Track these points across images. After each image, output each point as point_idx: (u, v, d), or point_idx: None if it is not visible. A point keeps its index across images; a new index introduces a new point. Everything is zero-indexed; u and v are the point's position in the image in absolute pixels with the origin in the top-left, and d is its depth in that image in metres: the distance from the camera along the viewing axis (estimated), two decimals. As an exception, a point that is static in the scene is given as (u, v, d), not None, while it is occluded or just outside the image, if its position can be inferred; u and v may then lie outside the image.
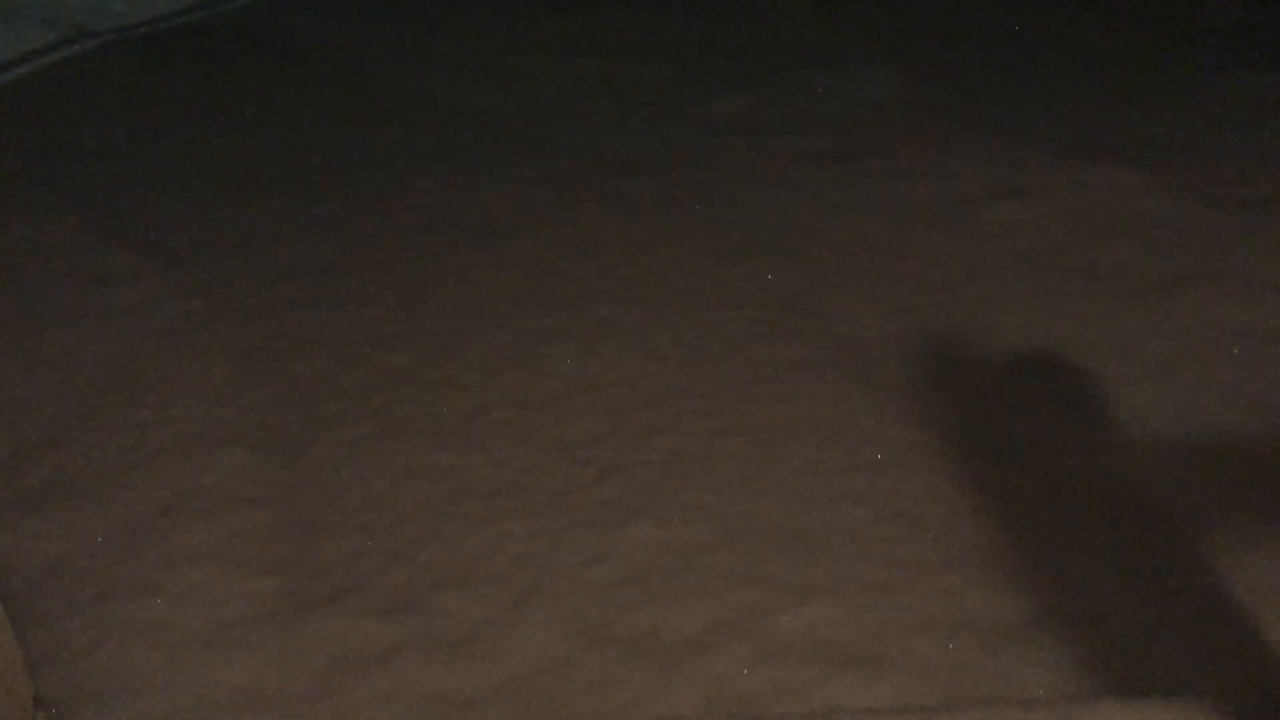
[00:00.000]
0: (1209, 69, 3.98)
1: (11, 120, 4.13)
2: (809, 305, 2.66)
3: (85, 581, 1.88)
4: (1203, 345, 2.43)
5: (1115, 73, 4.01)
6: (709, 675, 1.64)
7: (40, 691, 1.64)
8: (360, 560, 1.91)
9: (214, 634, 1.76)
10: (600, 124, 3.83)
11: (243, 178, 3.52)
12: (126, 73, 4.63)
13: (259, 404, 2.37)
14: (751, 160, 3.47)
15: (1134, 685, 1.55)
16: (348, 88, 4.34)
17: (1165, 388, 2.28)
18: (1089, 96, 3.82)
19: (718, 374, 2.39)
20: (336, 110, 4.09)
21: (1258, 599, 1.72)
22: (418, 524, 1.99)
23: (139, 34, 5.23)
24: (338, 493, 2.08)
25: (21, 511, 2.06)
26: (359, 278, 2.88)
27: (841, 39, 4.53)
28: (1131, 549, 1.84)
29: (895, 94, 3.92)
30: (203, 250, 3.05)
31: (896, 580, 1.79)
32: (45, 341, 2.63)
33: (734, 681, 1.63)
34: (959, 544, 1.87)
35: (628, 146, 3.64)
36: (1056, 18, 4.66)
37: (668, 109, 3.93)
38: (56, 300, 2.81)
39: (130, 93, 4.35)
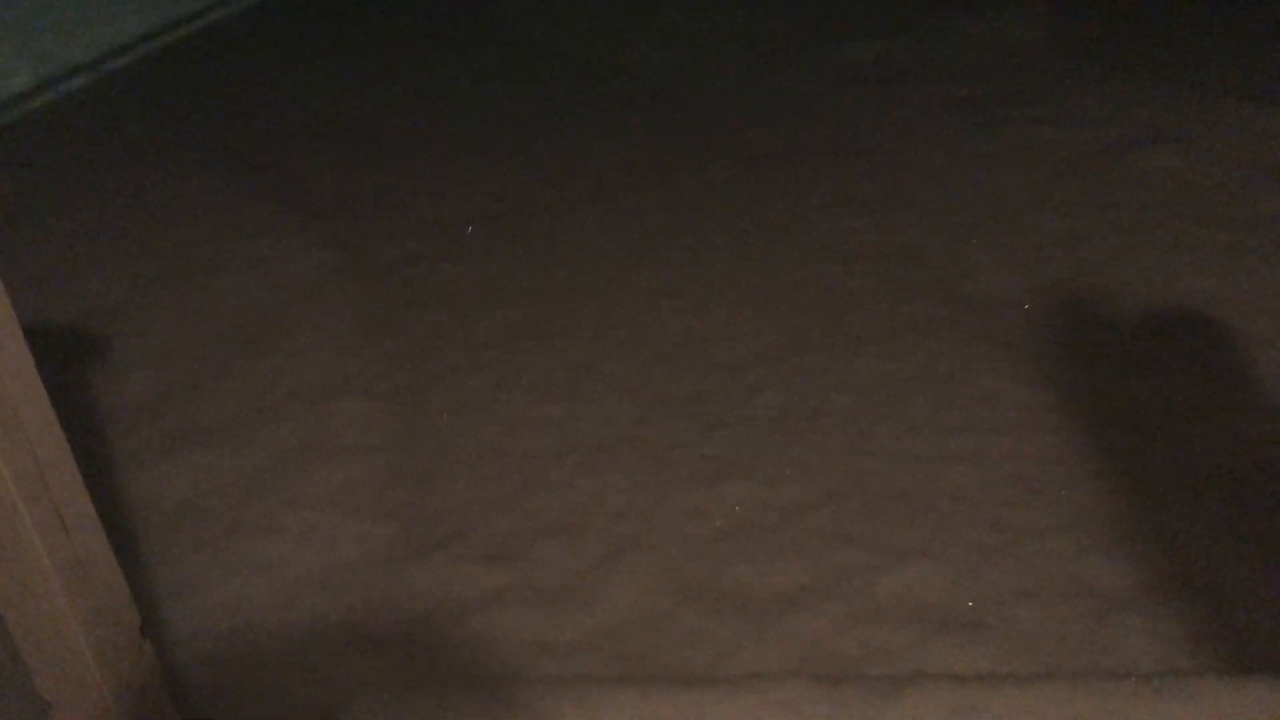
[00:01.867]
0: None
1: (169, 80, 4.34)
2: (934, 260, 2.57)
3: (213, 522, 1.98)
4: (1366, 304, 2.24)
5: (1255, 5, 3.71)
6: (802, 634, 1.62)
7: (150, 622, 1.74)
8: (469, 508, 1.95)
9: (326, 577, 1.84)
10: (729, 75, 3.77)
11: (379, 136, 3.61)
12: (272, 33, 4.80)
13: (382, 355, 2.44)
14: (884, 109, 3.36)
15: (1243, 663, 1.46)
16: (481, 41, 4.39)
17: (1317, 349, 2.12)
18: (1251, 34, 3.55)
19: (832, 330, 2.34)
20: (471, 66, 4.14)
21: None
22: (525, 474, 2.02)
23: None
24: (451, 442, 2.13)
25: (160, 453, 2.19)
26: (483, 234, 2.92)
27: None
28: (1257, 520, 1.73)
29: (1042, 35, 3.73)
30: (339, 205, 3.15)
31: (1003, 544, 1.73)
32: (191, 291, 2.77)
33: (827, 641, 1.61)
34: (1073, 509, 1.79)
35: (756, 97, 3.58)
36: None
37: (799, 58, 3.84)
38: (203, 252, 2.95)
39: (275, 52, 4.51)
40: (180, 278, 2.83)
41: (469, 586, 1.78)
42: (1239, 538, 1.69)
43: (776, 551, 1.77)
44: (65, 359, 2.54)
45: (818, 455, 1.98)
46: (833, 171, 3.03)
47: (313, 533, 1.94)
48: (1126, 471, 1.86)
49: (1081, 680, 1.31)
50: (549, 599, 1.74)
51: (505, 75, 4.03)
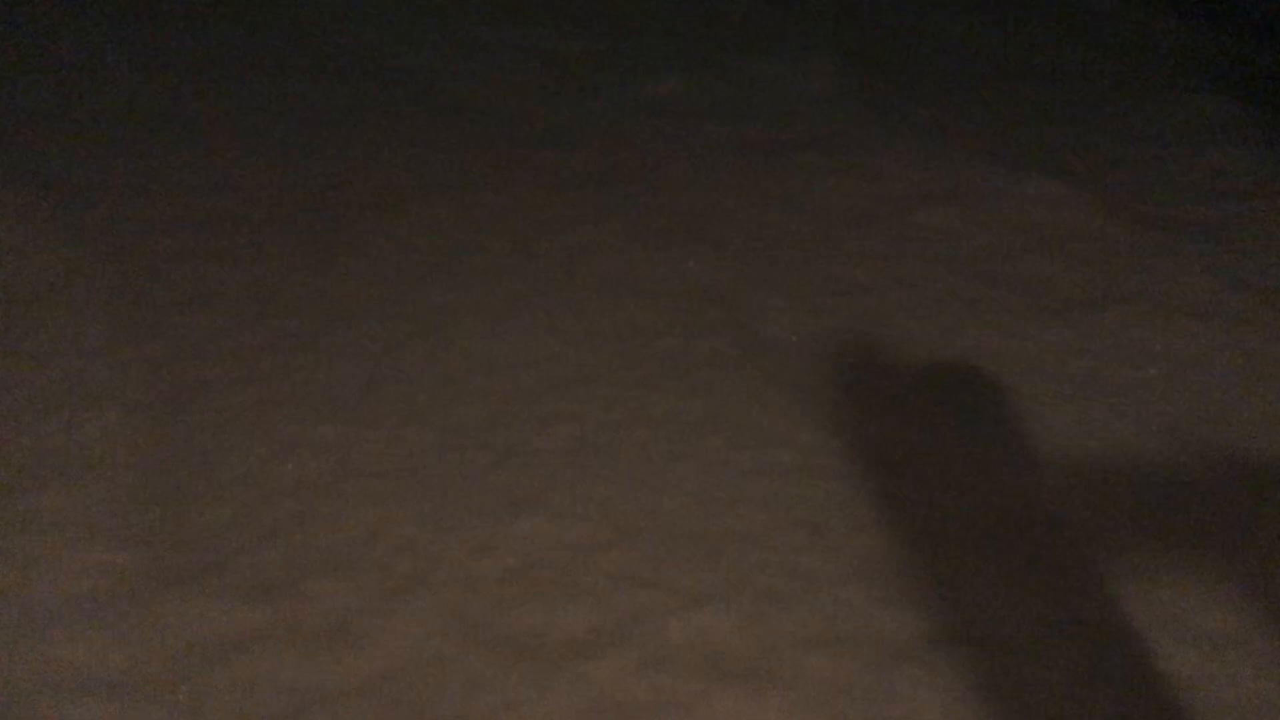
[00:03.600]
0: (1153, 88, 3.97)
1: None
2: (727, 298, 2.58)
3: (-76, 543, 1.73)
4: (1119, 366, 2.40)
5: (1059, 85, 3.99)
6: (590, 681, 1.56)
7: None
8: (229, 536, 1.79)
9: (62, 609, 1.64)
10: (530, 95, 3.71)
11: (146, 120, 3.33)
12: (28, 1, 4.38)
13: (138, 361, 2.22)
14: (680, 145, 3.38)
15: (1025, 712, 1.50)
16: (271, 29, 4.15)
17: (1080, 407, 2.25)
18: (1029, 106, 3.79)
19: (628, 363, 2.31)
20: (256, 55, 3.90)
21: (1156, 628, 1.69)
22: (295, 500, 1.87)
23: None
24: (213, 461, 1.95)
25: None
26: (258, 234, 2.73)
27: (783, 24, 4.45)
28: (1034, 570, 1.80)
29: (832, 86, 3.86)
30: (93, 194, 2.87)
31: (793, 590, 1.72)
32: (-89, 279, 2.45)
33: (616, 689, 1.55)
34: (859, 556, 1.81)
35: (556, 120, 3.52)
36: (1003, 26, 4.63)
37: (600, 85, 3.82)
38: (-71, 235, 2.62)
39: (31, 16, 4.11)
40: (-101, 260, 2.50)
41: (227, 625, 1.62)
42: (1017, 587, 1.75)
43: (566, 593, 1.70)
44: None
45: (611, 491, 1.93)
46: (629, 201, 3.01)
47: (47, 560, 1.73)
48: (910, 520, 1.90)
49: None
50: (318, 640, 1.61)
51: (293, 70, 3.82)
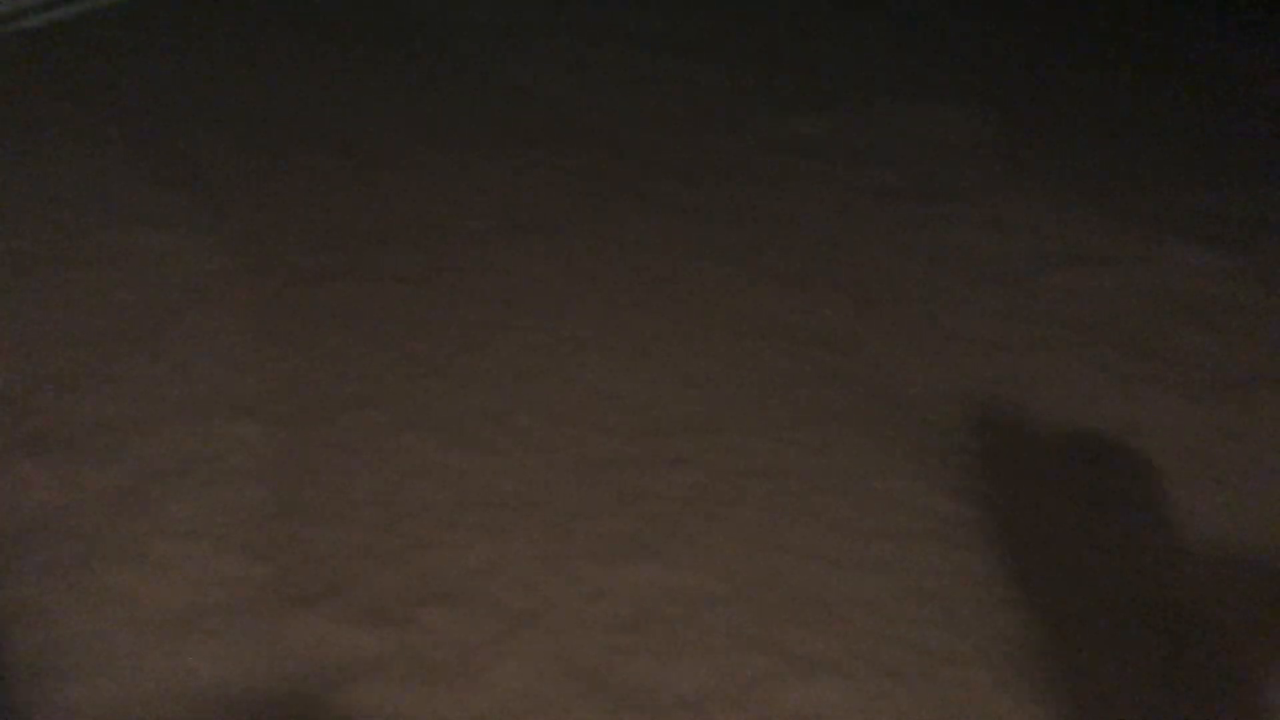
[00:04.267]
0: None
1: (70, 51, 4.07)
2: (860, 349, 2.53)
3: (70, 541, 1.80)
4: (1274, 453, 2.27)
5: (1202, 144, 3.82)
6: (701, 743, 1.53)
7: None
8: (354, 559, 1.81)
9: (190, 617, 1.68)
10: (672, 128, 3.71)
11: (305, 133, 3.44)
12: (207, 13, 4.57)
13: (279, 375, 2.28)
14: (819, 187, 3.34)
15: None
16: (403, 48, 4.24)
17: (1230, 495, 2.13)
18: (1172, 165, 3.64)
19: (755, 410, 2.27)
20: (385, 71, 3.99)
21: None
22: (419, 526, 1.89)
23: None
24: (344, 481, 1.99)
25: (21, 454, 1.99)
26: (398, 254, 2.78)
27: (926, 68, 4.37)
28: (1174, 668, 1.70)
29: (972, 135, 3.76)
30: (252, 205, 2.97)
31: (917, 667, 1.66)
32: (76, 278, 2.57)
33: (727, 754, 1.51)
34: (986, 636, 1.74)
35: (693, 152, 3.52)
36: (1146, 82, 4.47)
37: (738, 119, 3.80)
38: (91, 238, 2.74)
39: (196, 29, 4.29)
40: (65, 262, 2.62)
41: (348, 650, 1.64)
42: (1158, 688, 1.66)
43: (680, 648, 1.68)
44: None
45: (731, 545, 1.90)
46: (764, 241, 2.98)
47: (179, 567, 1.78)
48: (1043, 602, 1.82)
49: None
50: (432, 673, 1.61)
51: (438, 93, 3.89)
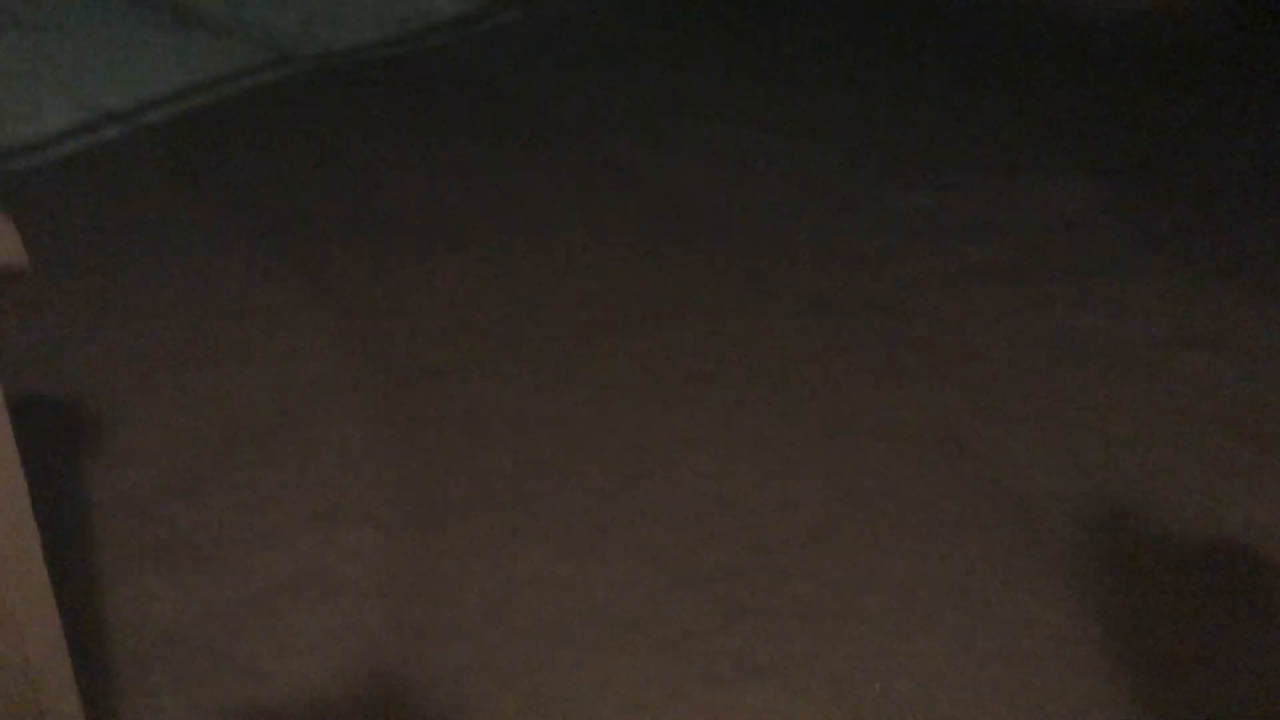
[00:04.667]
0: None
1: (205, 140, 4.26)
2: (976, 448, 2.47)
3: (197, 657, 1.85)
4: None
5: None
6: None
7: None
8: (467, 678, 1.82)
9: (309, 740, 1.70)
10: (775, 205, 3.71)
11: (413, 227, 3.53)
12: (322, 105, 4.74)
13: (392, 478, 2.33)
14: (929, 269, 3.29)
15: None
16: (530, 140, 4.33)
17: (1377, 608, 2.01)
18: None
19: (867, 517, 2.23)
20: (514, 166, 4.08)
21: None
22: (529, 643, 1.90)
23: (338, 64, 5.38)
24: (456, 593, 2.01)
25: (146, 566, 2.06)
26: (510, 350, 2.82)
27: (1033, 137, 4.29)
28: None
29: (1085, 207, 3.67)
30: (365, 300, 3.05)
31: (1042, 806, 1.60)
32: (201, 379, 2.66)
33: None
34: (1118, 771, 1.66)
35: (801, 235, 3.50)
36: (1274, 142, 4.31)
37: (844, 197, 3.77)
38: (217, 337, 2.84)
39: (323, 127, 4.45)
40: (189, 362, 2.72)
41: (462, 776, 1.65)
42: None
43: (797, 779, 1.64)
44: (54, 440, 2.42)
45: (845, 665, 1.86)
46: (874, 331, 2.94)
47: (303, 683, 1.81)
48: (1175, 731, 1.74)
49: None
50: (546, 803, 1.61)
51: (548, 173, 3.96)
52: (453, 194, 3.77)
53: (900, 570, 2.08)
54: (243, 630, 1.91)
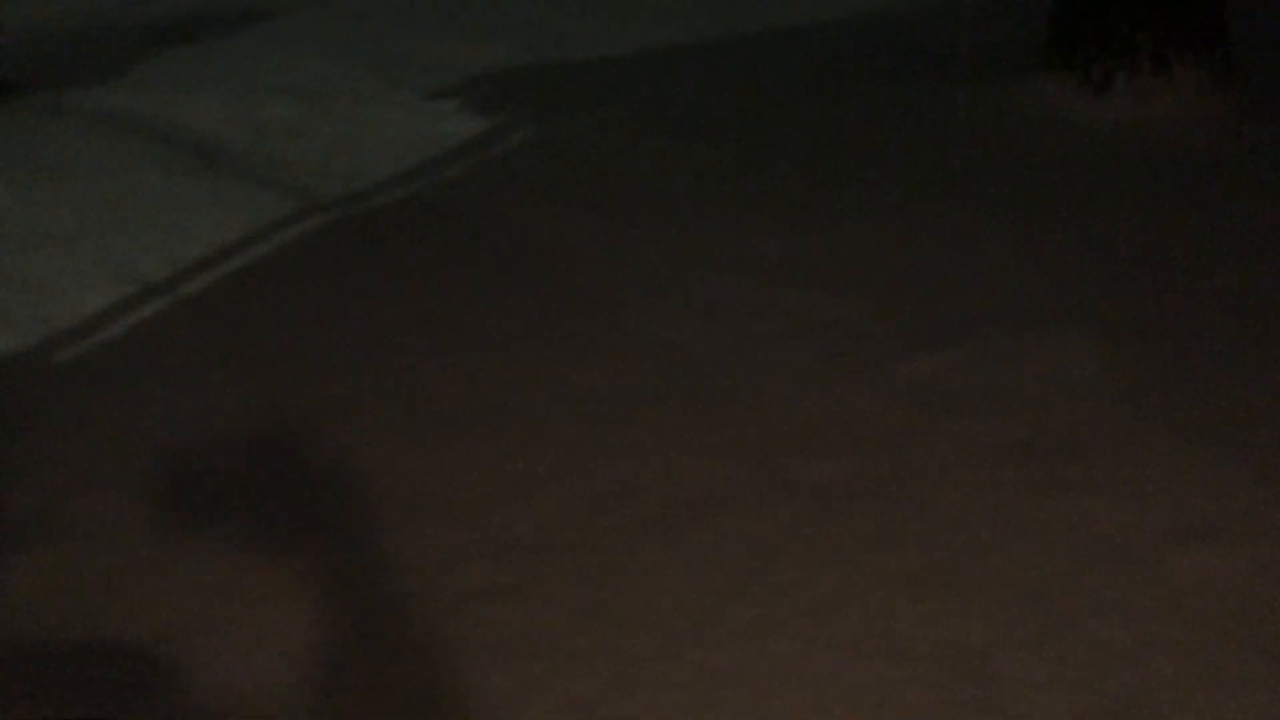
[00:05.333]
0: None
1: (247, 316, 4.48)
2: (986, 669, 2.64)
3: None
4: None
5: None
6: None
7: None
8: None
9: None
10: (786, 377, 3.89)
11: (448, 414, 3.72)
12: (343, 267, 4.96)
13: (448, 728, 2.51)
14: (938, 449, 3.47)
15: None
16: (546, 300, 4.54)
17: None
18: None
19: (892, 755, 2.41)
20: (533, 332, 4.28)
21: None
22: None
23: (360, 210, 5.60)
24: None
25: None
26: (546, 564, 3.01)
27: (1041, 286, 4.48)
28: None
29: (1091, 370, 3.85)
30: (408, 510, 3.24)
31: None
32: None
33: None
34: None
35: (812, 412, 3.69)
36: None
37: (856, 363, 3.96)
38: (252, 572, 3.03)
39: (346, 294, 4.66)
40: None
41: None
42: None
43: None
44: None
45: None
46: (885, 534, 3.11)
47: None
48: None
49: None
50: None
51: (562, 347, 4.16)
52: (476, 380, 3.95)
53: (924, 819, 2.25)
54: None
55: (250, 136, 6.72)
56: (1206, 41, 6.52)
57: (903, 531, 3.12)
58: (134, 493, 3.34)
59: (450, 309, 4.48)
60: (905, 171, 5.83)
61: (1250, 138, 6.12)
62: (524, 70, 8.03)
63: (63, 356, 4.24)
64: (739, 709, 2.54)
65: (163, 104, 7.31)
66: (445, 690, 2.61)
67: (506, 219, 5.41)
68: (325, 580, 2.96)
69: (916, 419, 3.63)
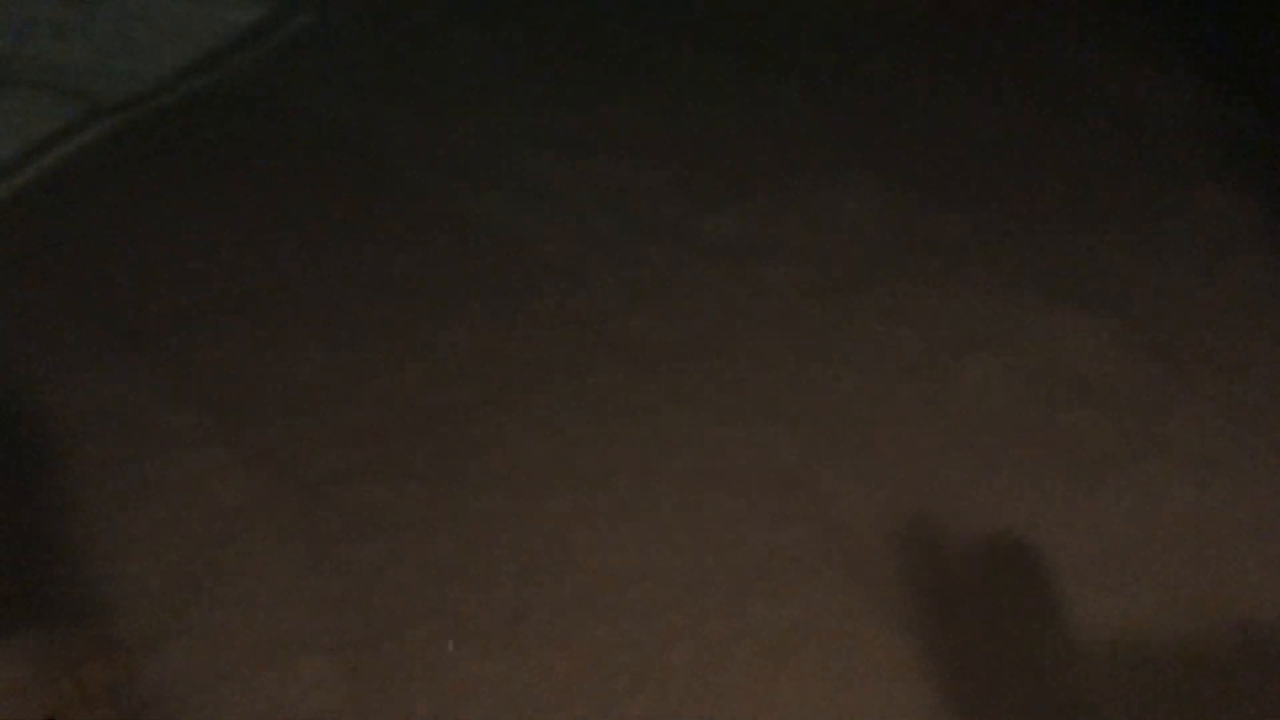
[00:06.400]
0: (1178, 182, 4.28)
1: (40, 231, 4.34)
2: (805, 481, 3.00)
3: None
4: (1143, 529, 2.80)
5: (1089, 185, 4.29)
6: None
7: None
8: (436, 785, 2.27)
9: None
10: (601, 246, 4.10)
11: (276, 314, 3.77)
12: (145, 171, 4.82)
13: (326, 600, 2.70)
14: (746, 296, 3.77)
15: None
16: (361, 190, 4.56)
17: (1114, 582, 2.66)
18: (1064, 216, 4.12)
19: (729, 567, 2.75)
20: (352, 223, 4.33)
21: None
22: (481, 742, 2.35)
23: (146, 111, 5.39)
24: (406, 711, 2.43)
25: (134, 728, 2.40)
26: (400, 443, 3.18)
27: (823, 136, 4.79)
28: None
29: (875, 210, 4.21)
30: (255, 408, 3.33)
31: (886, 809, 2.17)
32: (126, 522, 2.94)
33: None
34: (937, 766, 2.25)
35: (629, 276, 3.92)
36: (1040, 118, 4.93)
37: (665, 226, 4.20)
38: (125, 473, 3.10)
39: (150, 199, 4.55)
40: (107, 506, 2.98)
41: None
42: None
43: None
44: None
45: (729, 715, 2.38)
46: (706, 374, 3.42)
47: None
48: (975, 723, 2.34)
49: None
50: None
51: (385, 236, 4.23)
52: (304, 275, 3.99)
53: (760, 616, 2.61)
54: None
55: (12, 41, 6.29)
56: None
57: (722, 374, 3.43)
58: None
59: (258, 210, 4.46)
60: (699, 39, 6.00)
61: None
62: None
63: None
64: (592, 547, 2.82)
65: (-98, 12, 6.72)
66: (313, 566, 2.79)
67: (309, 111, 5.32)
68: (179, 482, 3.06)
69: (720, 273, 3.92)
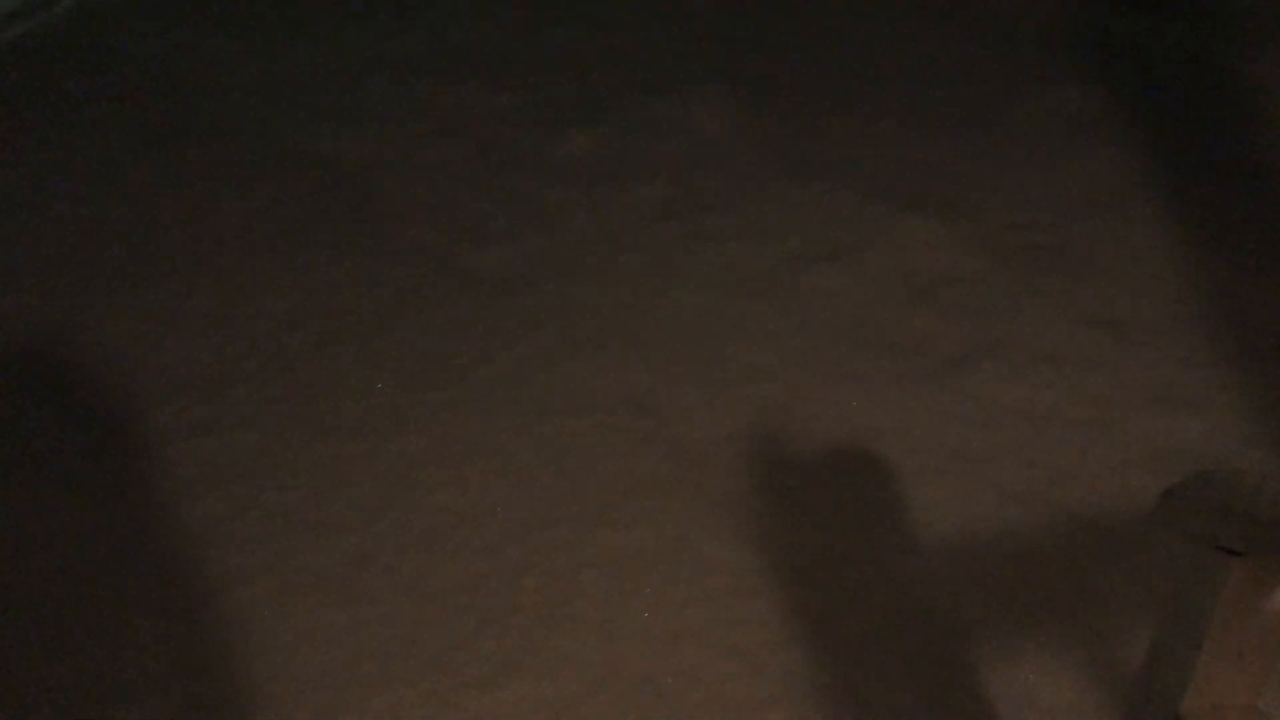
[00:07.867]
0: (1017, 79, 4.30)
1: None
2: (653, 404, 2.97)
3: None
4: (983, 429, 2.84)
5: (936, 88, 4.30)
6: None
7: None
8: (274, 738, 2.22)
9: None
10: (447, 174, 3.99)
11: (111, 268, 3.61)
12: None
13: (164, 558, 2.60)
14: (595, 221, 3.70)
15: None
16: (188, 135, 4.36)
17: (953, 480, 2.69)
18: (911, 121, 4.12)
19: (577, 495, 2.71)
20: (187, 166, 4.13)
21: (1023, 709, 2.18)
22: (321, 694, 2.30)
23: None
24: (245, 663, 2.36)
25: None
26: (237, 392, 3.07)
27: (679, 52, 4.70)
28: (916, 665, 2.27)
29: (728, 126, 4.16)
30: (81, 365, 3.18)
31: (730, 723, 2.19)
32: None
33: (602, 839, 2.01)
34: (779, 676, 2.27)
35: (478, 205, 3.82)
36: (892, 20, 4.90)
37: (514, 151, 4.09)
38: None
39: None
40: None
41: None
42: (905, 690, 2.22)
43: (553, 754, 2.16)
44: None
45: (577, 644, 2.36)
46: (557, 302, 3.36)
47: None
48: (819, 630, 2.36)
49: None
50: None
51: (219, 178, 4.05)
52: (141, 222, 3.82)
53: (611, 543, 2.59)
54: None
55: None
56: None
57: (575, 298, 3.37)
58: None
59: (89, 160, 4.23)
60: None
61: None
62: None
63: None
64: (436, 484, 2.76)
65: None
66: (156, 522, 2.68)
67: (134, 50, 5.06)
68: (33, 448, 2.91)
69: (572, 195, 3.84)
